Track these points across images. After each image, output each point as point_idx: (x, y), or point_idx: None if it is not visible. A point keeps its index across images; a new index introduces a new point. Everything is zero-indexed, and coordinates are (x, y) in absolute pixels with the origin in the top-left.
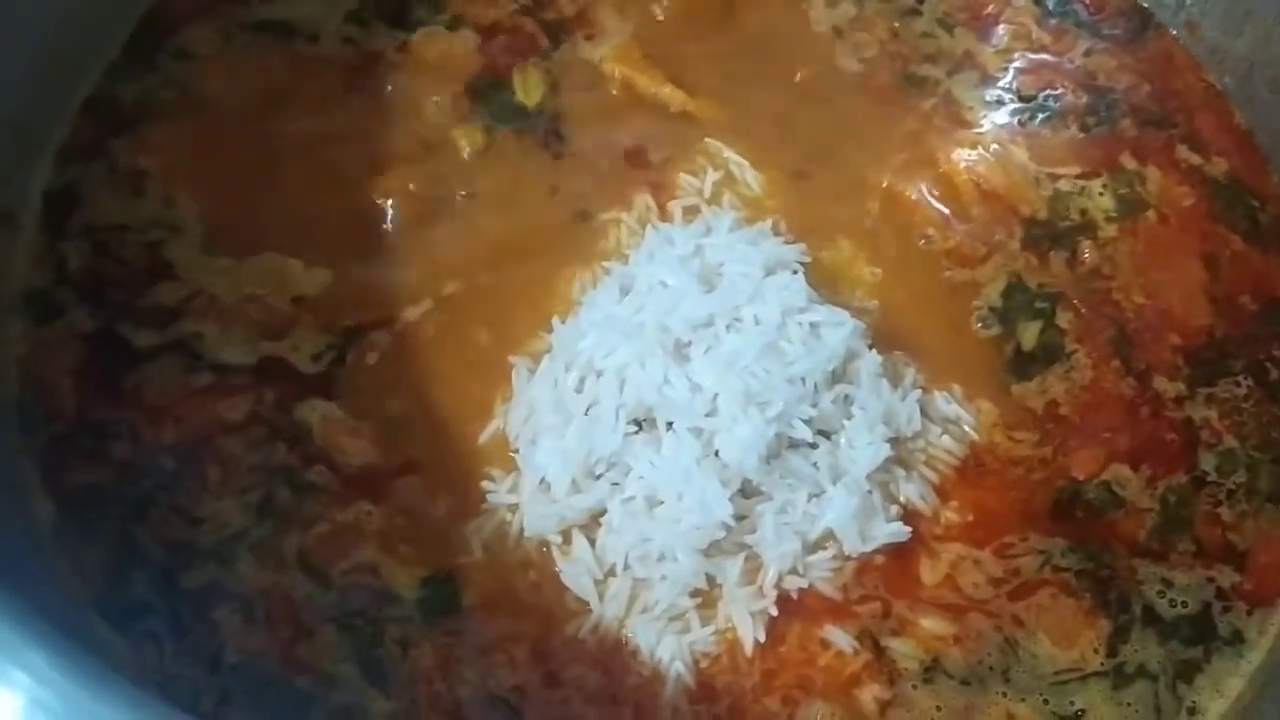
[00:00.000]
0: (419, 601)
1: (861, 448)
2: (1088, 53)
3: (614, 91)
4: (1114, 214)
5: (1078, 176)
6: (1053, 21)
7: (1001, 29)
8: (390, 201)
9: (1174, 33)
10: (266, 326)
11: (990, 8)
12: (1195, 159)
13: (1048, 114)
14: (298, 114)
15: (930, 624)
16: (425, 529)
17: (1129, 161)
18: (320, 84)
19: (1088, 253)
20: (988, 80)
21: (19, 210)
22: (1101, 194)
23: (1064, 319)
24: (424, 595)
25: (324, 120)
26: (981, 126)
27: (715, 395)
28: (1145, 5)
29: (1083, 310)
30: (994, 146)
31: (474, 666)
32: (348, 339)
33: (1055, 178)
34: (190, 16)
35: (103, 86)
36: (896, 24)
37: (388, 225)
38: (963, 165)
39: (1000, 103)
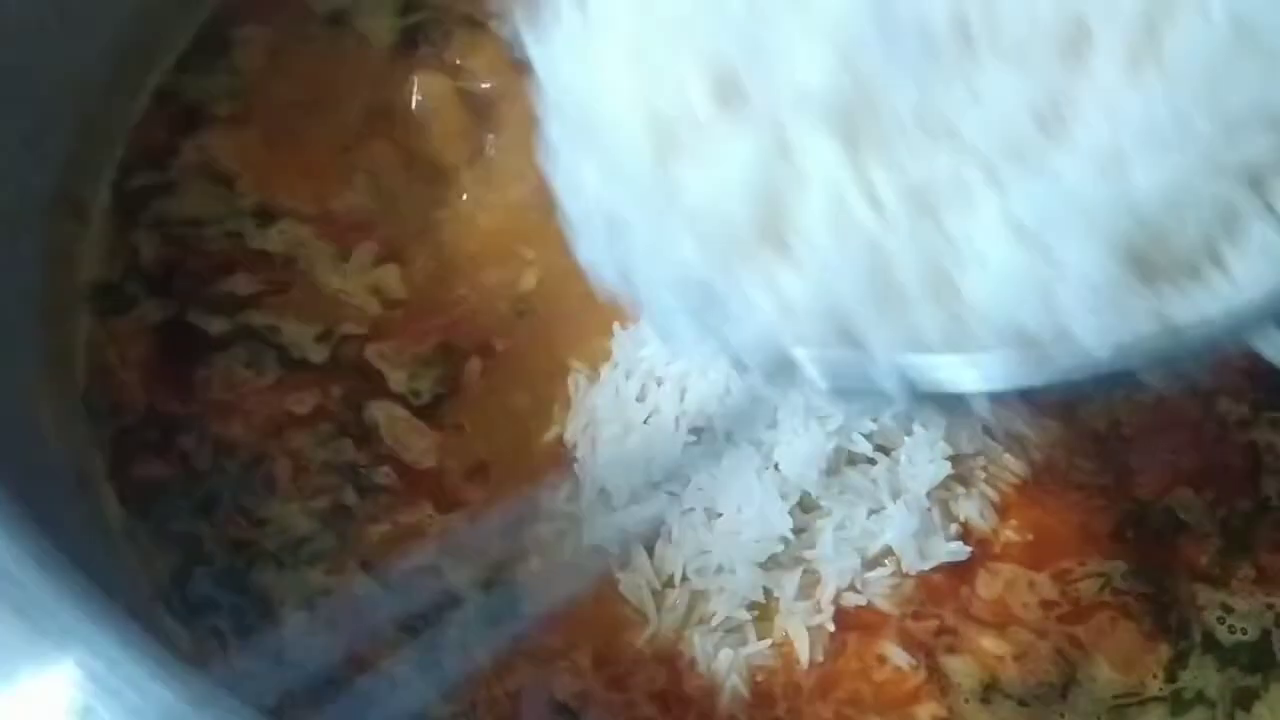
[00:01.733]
0: (479, 606)
1: (922, 464)
2: None
3: None
4: None
5: None
6: None
7: None
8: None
9: None
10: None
11: None
12: None
13: None
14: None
15: (988, 643)
16: (486, 533)
17: None
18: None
19: None
20: None
21: (89, 201)
22: None
23: None
24: (484, 600)
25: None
26: None
27: (775, 407)
28: None
29: None
30: None
31: (535, 672)
32: (445, 362)
33: None
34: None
35: (175, 77)
36: None
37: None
38: None
39: None
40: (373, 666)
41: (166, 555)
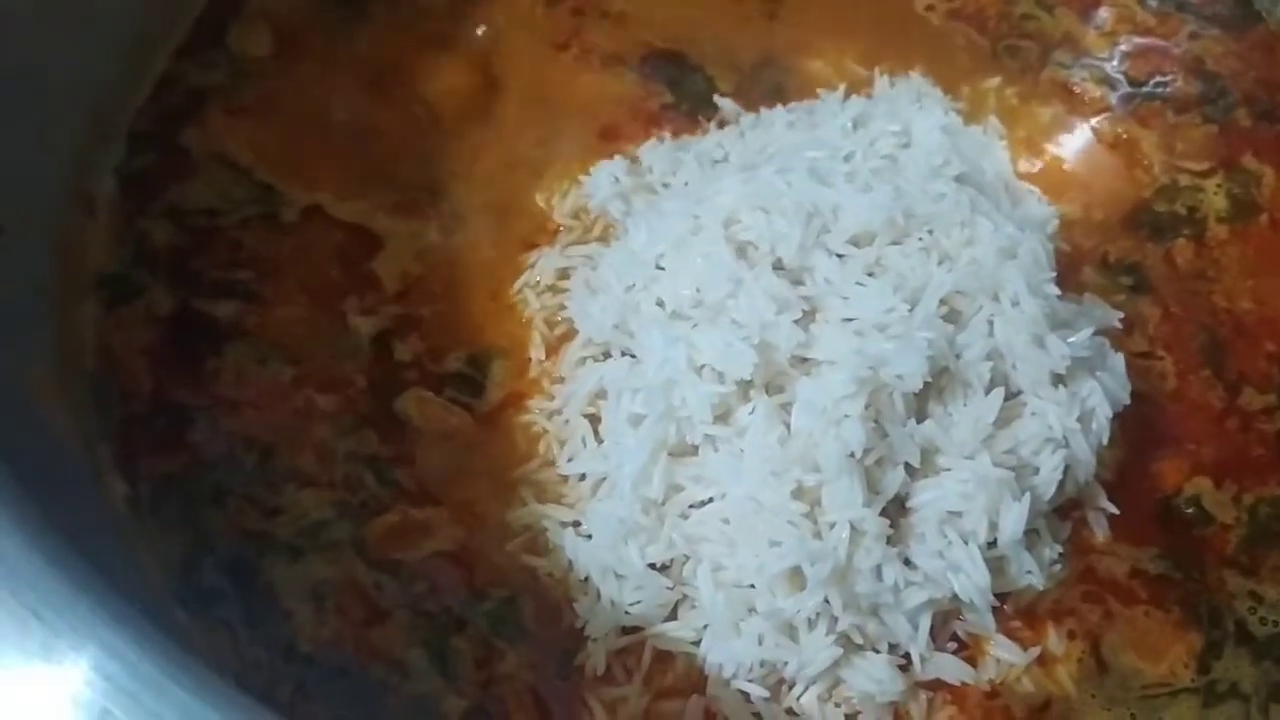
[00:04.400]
0: (485, 614)
1: None
2: (1194, 36)
3: None
4: (1224, 215)
5: (1195, 173)
6: (1154, 3)
7: (1104, 11)
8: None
9: (1271, 26)
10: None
11: None
12: None
13: (1159, 100)
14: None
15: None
16: (492, 543)
17: (1250, 162)
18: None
19: (1187, 251)
20: (1093, 63)
21: (97, 192)
22: (1216, 193)
23: (1151, 322)
24: (488, 608)
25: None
26: (1086, 109)
27: None
28: None
29: (1174, 310)
30: (1101, 129)
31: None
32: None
33: (1169, 168)
34: None
35: (175, 67)
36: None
37: None
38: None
39: (1111, 86)
40: (385, 654)
41: (174, 546)
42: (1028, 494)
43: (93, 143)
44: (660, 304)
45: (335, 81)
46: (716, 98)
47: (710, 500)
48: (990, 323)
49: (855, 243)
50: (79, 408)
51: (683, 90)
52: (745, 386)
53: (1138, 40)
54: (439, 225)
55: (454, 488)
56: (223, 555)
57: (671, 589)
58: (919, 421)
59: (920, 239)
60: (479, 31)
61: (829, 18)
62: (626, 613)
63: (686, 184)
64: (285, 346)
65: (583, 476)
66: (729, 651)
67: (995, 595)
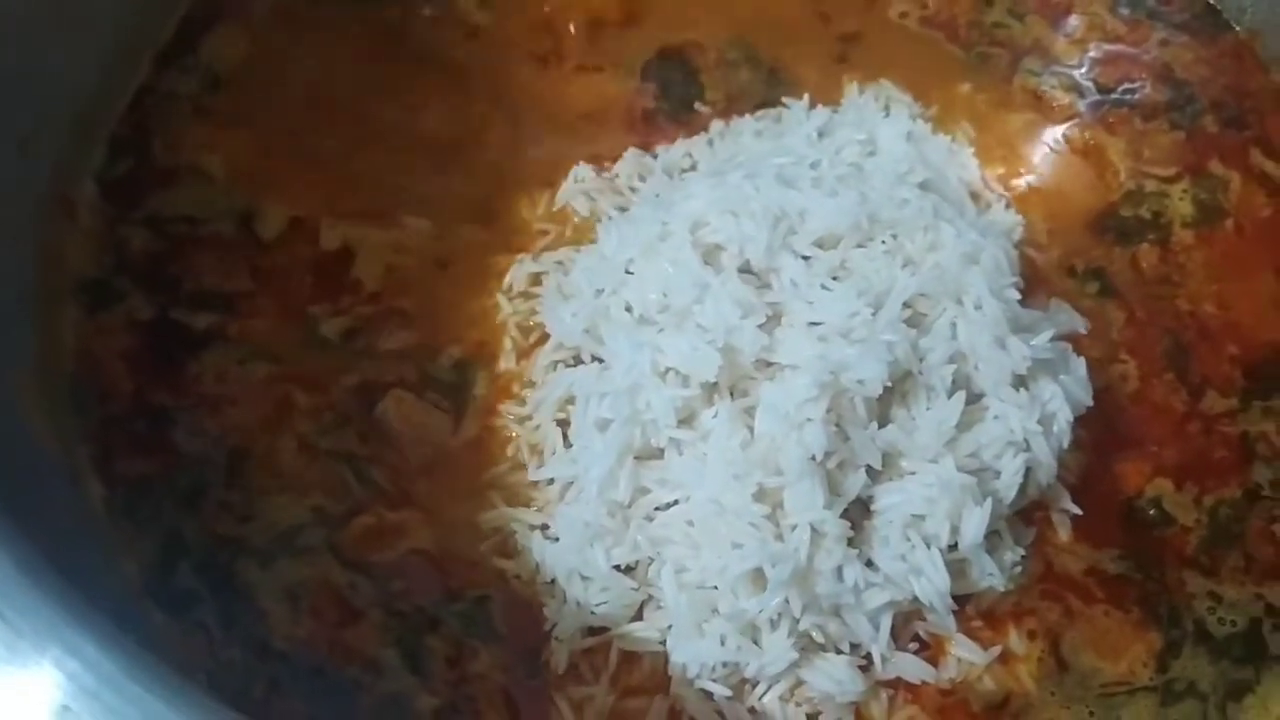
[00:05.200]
0: (457, 614)
1: None
2: (1164, 43)
3: None
4: (1190, 220)
5: (1161, 179)
6: (1125, 11)
7: (1075, 19)
8: None
9: (1239, 34)
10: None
11: None
12: (1269, 165)
13: (1127, 107)
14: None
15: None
16: (464, 545)
17: (1217, 168)
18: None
19: (1152, 256)
20: (1062, 71)
21: (79, 199)
22: (1181, 199)
23: (1115, 325)
24: (461, 608)
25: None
26: (1056, 115)
27: None
28: (1212, 2)
29: (1138, 314)
30: (1070, 135)
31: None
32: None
33: (1136, 174)
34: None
35: (156, 74)
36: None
37: None
38: (1039, 152)
39: (1080, 94)
40: (359, 653)
41: (151, 548)
42: (989, 499)
43: (74, 148)
44: (628, 309)
45: (315, 90)
46: (697, 105)
47: (675, 503)
48: (953, 325)
49: (821, 245)
50: (58, 410)
51: (669, 93)
52: (709, 390)
53: (1107, 47)
54: (420, 233)
55: (429, 489)
56: (198, 556)
57: (636, 590)
58: (882, 425)
59: (884, 243)
60: (465, 34)
61: (890, 64)
62: (593, 613)
63: (658, 195)
64: (266, 349)
65: (551, 480)
66: (693, 652)
67: (956, 597)
